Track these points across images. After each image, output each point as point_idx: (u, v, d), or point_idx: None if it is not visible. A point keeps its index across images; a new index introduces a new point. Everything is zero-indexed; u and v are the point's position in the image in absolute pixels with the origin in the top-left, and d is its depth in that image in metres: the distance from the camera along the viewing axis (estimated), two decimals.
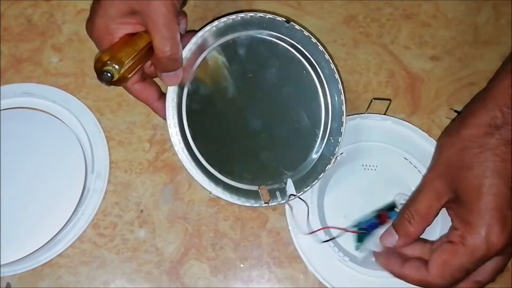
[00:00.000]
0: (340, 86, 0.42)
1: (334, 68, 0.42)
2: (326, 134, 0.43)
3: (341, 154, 0.46)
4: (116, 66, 0.38)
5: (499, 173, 0.37)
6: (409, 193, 0.45)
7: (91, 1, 0.54)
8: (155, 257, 0.47)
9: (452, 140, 0.40)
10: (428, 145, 0.47)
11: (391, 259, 0.41)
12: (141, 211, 0.49)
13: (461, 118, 0.40)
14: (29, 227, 0.47)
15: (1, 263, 0.46)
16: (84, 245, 0.48)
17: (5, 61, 0.53)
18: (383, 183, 0.47)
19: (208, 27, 0.43)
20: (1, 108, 0.51)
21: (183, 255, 0.47)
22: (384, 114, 0.49)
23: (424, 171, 0.46)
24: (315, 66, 0.43)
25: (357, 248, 0.45)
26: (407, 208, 0.41)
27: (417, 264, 0.39)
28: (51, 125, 0.50)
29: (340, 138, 0.42)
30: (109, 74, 0.38)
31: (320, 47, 0.43)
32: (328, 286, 0.45)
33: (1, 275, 0.47)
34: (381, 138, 0.47)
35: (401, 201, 0.45)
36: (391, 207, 0.46)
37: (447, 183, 0.39)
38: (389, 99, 0.49)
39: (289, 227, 0.46)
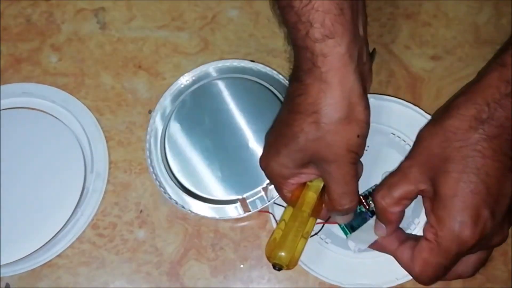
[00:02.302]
0: None
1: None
2: None
3: None
4: (284, 265, 0.40)
5: (478, 169, 0.36)
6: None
7: (91, 1, 0.54)
8: (155, 257, 0.47)
9: (435, 130, 0.39)
10: (412, 113, 0.47)
11: (388, 239, 0.41)
12: (141, 211, 0.49)
13: (446, 108, 0.39)
14: (28, 228, 0.47)
15: (1, 263, 0.46)
16: (84, 245, 0.48)
17: (4, 61, 0.53)
18: (374, 163, 0.47)
19: (185, 78, 0.50)
20: (0, 108, 0.51)
21: (183, 256, 0.47)
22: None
23: (411, 142, 0.46)
24: (279, 94, 0.49)
25: (348, 237, 0.45)
26: (381, 195, 0.40)
27: (409, 252, 0.40)
28: (50, 125, 0.50)
29: None
30: (278, 267, 0.40)
31: (278, 77, 0.49)
32: (317, 275, 0.45)
33: (1, 276, 0.47)
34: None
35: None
36: (374, 190, 0.46)
37: (425, 173, 0.38)
38: None
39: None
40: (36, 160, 0.49)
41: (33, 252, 0.46)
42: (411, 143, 0.46)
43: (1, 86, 0.52)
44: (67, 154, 0.49)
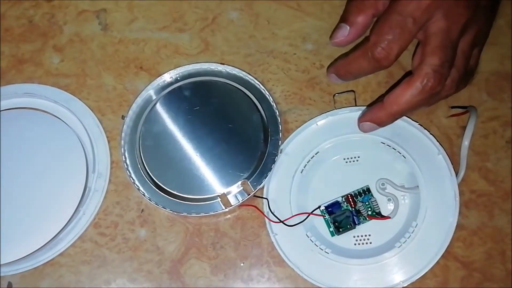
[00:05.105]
0: (271, 101, 0.50)
1: (264, 91, 0.50)
2: (268, 136, 0.48)
3: (316, 153, 0.48)
4: None
5: None
6: (391, 177, 0.47)
7: (93, 2, 0.54)
8: (156, 256, 0.48)
9: None
10: (398, 122, 0.47)
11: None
12: (142, 210, 0.49)
13: None
14: (30, 227, 0.47)
15: (3, 262, 0.46)
16: (85, 244, 0.48)
17: (6, 62, 0.53)
18: (367, 172, 0.48)
19: (154, 83, 0.51)
20: (2, 109, 0.51)
21: (184, 254, 0.48)
22: (355, 105, 0.50)
23: (400, 149, 0.47)
24: (248, 92, 0.50)
25: (332, 235, 0.46)
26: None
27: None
28: (52, 126, 0.50)
29: (279, 135, 0.48)
30: None
31: (248, 78, 0.51)
32: (306, 278, 0.45)
33: (3, 274, 0.47)
34: (356, 129, 0.48)
35: (379, 185, 0.47)
36: (364, 191, 0.47)
37: None
38: (353, 90, 0.50)
39: (266, 226, 0.47)
40: (38, 160, 0.49)
41: (35, 251, 0.46)
42: (401, 150, 0.47)
43: (3, 86, 0.52)
44: (69, 154, 0.49)
